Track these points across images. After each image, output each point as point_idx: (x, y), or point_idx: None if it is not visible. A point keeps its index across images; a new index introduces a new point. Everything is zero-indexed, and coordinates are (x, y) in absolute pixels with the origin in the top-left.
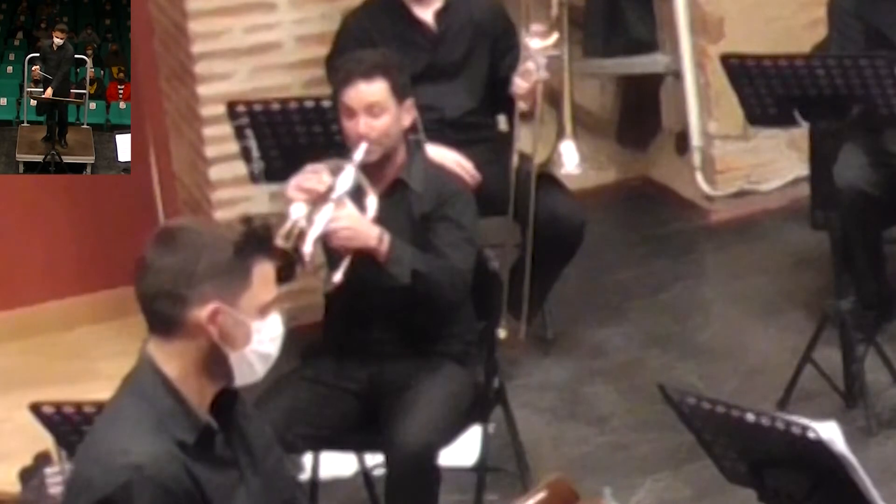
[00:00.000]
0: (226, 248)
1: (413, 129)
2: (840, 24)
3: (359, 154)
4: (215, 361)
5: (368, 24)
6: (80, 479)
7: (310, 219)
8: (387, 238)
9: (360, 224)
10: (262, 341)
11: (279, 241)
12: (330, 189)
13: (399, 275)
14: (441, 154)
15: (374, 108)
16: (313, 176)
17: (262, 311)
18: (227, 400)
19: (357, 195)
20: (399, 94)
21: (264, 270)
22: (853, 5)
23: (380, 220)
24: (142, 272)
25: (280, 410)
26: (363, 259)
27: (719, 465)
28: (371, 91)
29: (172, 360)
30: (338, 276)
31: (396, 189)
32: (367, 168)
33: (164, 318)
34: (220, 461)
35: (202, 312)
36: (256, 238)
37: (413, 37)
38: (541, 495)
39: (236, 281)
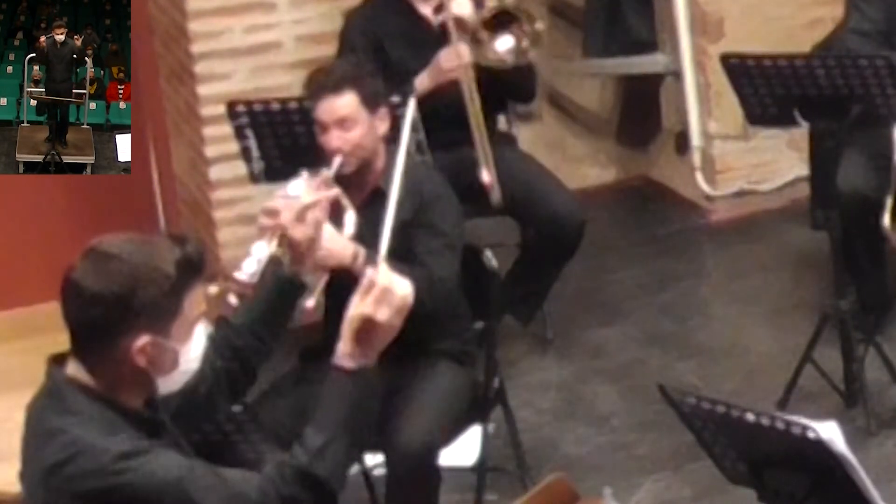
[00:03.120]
0: (162, 283)
1: (414, 129)
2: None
3: (334, 168)
4: (141, 382)
5: (374, 22)
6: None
7: (281, 241)
8: (362, 254)
9: (334, 243)
10: (188, 361)
11: (244, 278)
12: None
13: None
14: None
15: (345, 121)
16: (284, 199)
17: (189, 330)
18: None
19: (336, 210)
20: (370, 103)
21: (194, 294)
22: None
23: (360, 229)
24: (71, 295)
25: (279, 411)
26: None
27: (719, 465)
28: (341, 104)
29: (99, 377)
30: (310, 302)
31: (376, 198)
32: (345, 179)
33: (93, 346)
34: (170, 443)
35: (132, 344)
36: (192, 268)
37: (418, 33)
38: (541, 495)
39: (169, 313)
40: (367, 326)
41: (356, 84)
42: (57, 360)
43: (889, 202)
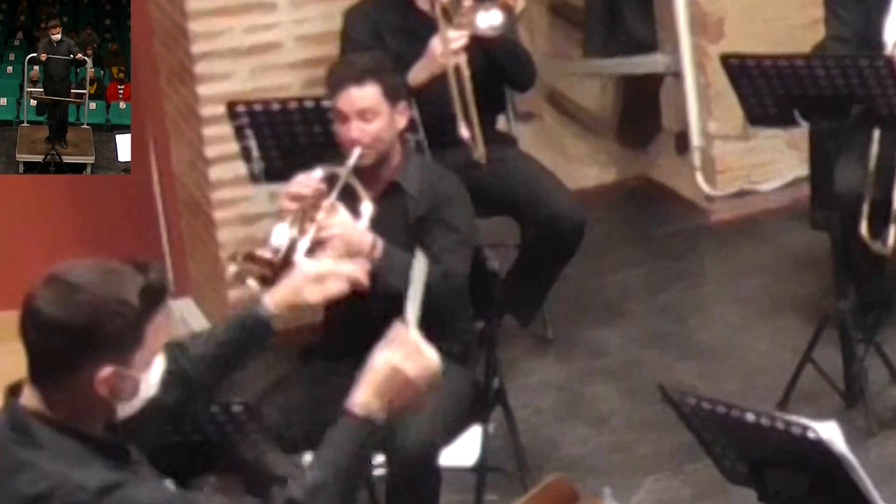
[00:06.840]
0: (126, 315)
1: (414, 128)
2: (837, 6)
3: (352, 159)
4: (101, 409)
5: (374, 17)
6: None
7: (301, 228)
8: (380, 245)
9: (353, 231)
10: (147, 388)
11: (267, 254)
12: (322, 196)
13: (393, 282)
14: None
15: (367, 112)
16: (305, 183)
17: (151, 358)
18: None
19: (352, 200)
20: (392, 97)
21: (157, 323)
22: None
23: (375, 223)
24: (33, 323)
25: (279, 410)
26: None
27: (719, 466)
28: (363, 96)
29: (58, 406)
30: None
31: (392, 192)
32: (361, 172)
33: (54, 375)
34: (140, 467)
35: (95, 374)
36: (155, 297)
37: (417, 27)
38: (541, 495)
39: (132, 344)
40: (392, 379)
41: (379, 76)
42: (14, 391)
43: (865, 209)
